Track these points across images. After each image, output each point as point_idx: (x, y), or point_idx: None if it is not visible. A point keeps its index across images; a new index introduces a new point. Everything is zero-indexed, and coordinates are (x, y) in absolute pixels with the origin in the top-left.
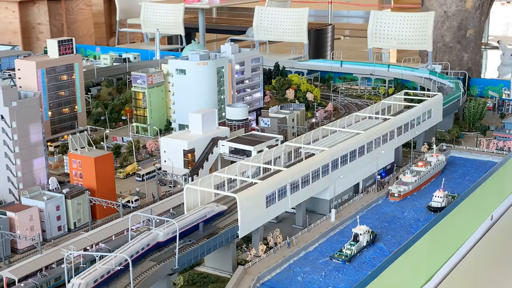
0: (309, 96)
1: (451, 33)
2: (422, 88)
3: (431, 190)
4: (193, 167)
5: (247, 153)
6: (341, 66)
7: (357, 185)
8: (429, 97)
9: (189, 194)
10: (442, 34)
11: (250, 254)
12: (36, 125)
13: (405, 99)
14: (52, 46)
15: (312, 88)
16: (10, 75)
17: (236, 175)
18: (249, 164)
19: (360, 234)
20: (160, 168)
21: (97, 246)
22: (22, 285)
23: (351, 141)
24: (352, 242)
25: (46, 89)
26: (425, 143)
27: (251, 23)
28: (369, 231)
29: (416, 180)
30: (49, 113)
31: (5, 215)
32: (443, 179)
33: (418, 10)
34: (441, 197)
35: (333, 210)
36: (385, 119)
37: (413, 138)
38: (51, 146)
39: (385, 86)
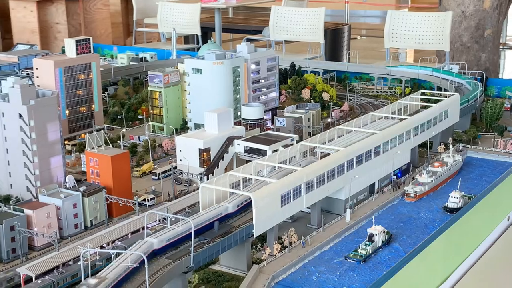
0: (325, 96)
1: (468, 33)
2: (439, 88)
3: (448, 190)
4: (208, 166)
5: (262, 153)
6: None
7: (373, 185)
8: (446, 97)
9: (204, 193)
10: (460, 34)
11: (265, 253)
12: (53, 123)
13: (422, 99)
14: (70, 45)
15: (328, 88)
16: (28, 74)
17: (251, 174)
18: (264, 163)
19: (376, 234)
20: (176, 167)
21: (113, 244)
22: (39, 281)
23: (367, 141)
24: (367, 242)
25: (64, 88)
26: (441, 144)
27: (268, 22)
28: (384, 231)
29: (432, 181)
30: (67, 111)
31: (23, 212)
32: (460, 179)
33: (435, 10)
34: (457, 198)
35: (348, 210)
36: (401, 119)
37: (429, 139)
38: (69, 144)
39: (401, 86)
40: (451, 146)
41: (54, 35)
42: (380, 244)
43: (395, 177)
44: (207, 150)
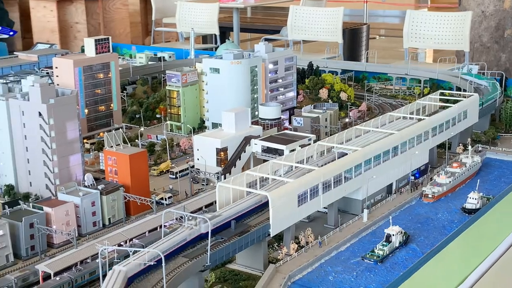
0: (343, 96)
1: (488, 33)
2: (458, 89)
3: (466, 191)
4: (225, 165)
5: (279, 152)
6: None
7: (390, 185)
8: (465, 97)
9: (221, 192)
10: (480, 34)
11: (282, 253)
12: (73, 122)
13: (441, 100)
14: (89, 44)
15: (346, 88)
16: (48, 73)
17: (268, 174)
18: (282, 163)
19: (393, 235)
20: (193, 166)
21: (131, 242)
22: (57, 278)
23: (385, 141)
24: (384, 243)
25: (83, 87)
26: (460, 144)
27: (286, 22)
28: (401, 232)
29: (450, 182)
30: (86, 110)
31: (42, 210)
32: (478, 180)
33: (455, 10)
34: (475, 199)
35: (365, 210)
36: (419, 120)
37: (448, 139)
38: (87, 143)
39: (420, 86)
40: (469, 147)
41: (73, 35)
42: (397, 245)
43: (413, 177)
44: (225, 150)
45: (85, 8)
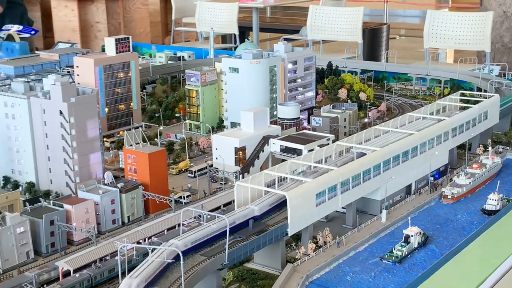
0: (362, 96)
1: (510, 33)
2: (479, 89)
3: (486, 193)
4: (244, 164)
5: (298, 152)
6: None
7: (409, 186)
8: (486, 98)
9: (239, 191)
10: (501, 35)
11: (299, 252)
12: (93, 120)
13: (461, 100)
14: (110, 44)
15: (365, 88)
16: (69, 72)
17: (286, 174)
18: (300, 162)
19: (412, 236)
20: (211, 165)
21: (149, 240)
22: (77, 275)
23: (404, 142)
24: (403, 244)
25: (103, 86)
26: (480, 145)
27: (305, 22)
28: (420, 232)
29: (470, 183)
30: (106, 109)
31: (62, 207)
32: (498, 182)
33: (476, 10)
34: (495, 200)
35: (384, 211)
36: (439, 120)
37: (468, 140)
38: (107, 141)
39: (440, 87)
40: (490, 148)
41: (94, 34)
42: (416, 246)
43: (432, 178)
44: (243, 149)
45: (105, 8)
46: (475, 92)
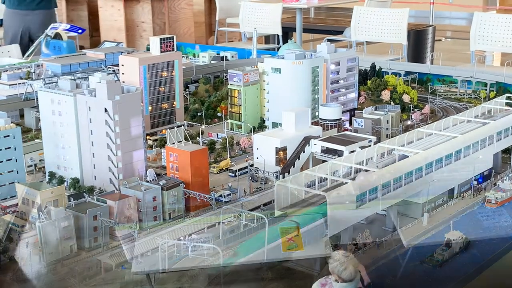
0: (405, 98)
1: None
2: None
3: None
4: (284, 165)
5: (339, 153)
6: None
7: (452, 189)
8: None
9: (279, 191)
10: None
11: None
12: (137, 118)
13: (507, 104)
14: (154, 43)
15: (409, 90)
16: (114, 70)
17: (327, 174)
18: (341, 163)
19: (453, 240)
20: (252, 165)
21: (190, 237)
22: (118, 270)
23: (447, 145)
24: (444, 248)
25: (147, 85)
26: None
27: (349, 23)
28: (462, 237)
29: None
30: (149, 107)
31: (105, 203)
32: None
33: None
34: None
35: (425, 214)
36: (484, 123)
37: None
38: (150, 139)
39: (486, 90)
40: None
41: (139, 33)
42: (457, 250)
43: (475, 182)
44: (284, 149)
45: (151, 8)
46: None
